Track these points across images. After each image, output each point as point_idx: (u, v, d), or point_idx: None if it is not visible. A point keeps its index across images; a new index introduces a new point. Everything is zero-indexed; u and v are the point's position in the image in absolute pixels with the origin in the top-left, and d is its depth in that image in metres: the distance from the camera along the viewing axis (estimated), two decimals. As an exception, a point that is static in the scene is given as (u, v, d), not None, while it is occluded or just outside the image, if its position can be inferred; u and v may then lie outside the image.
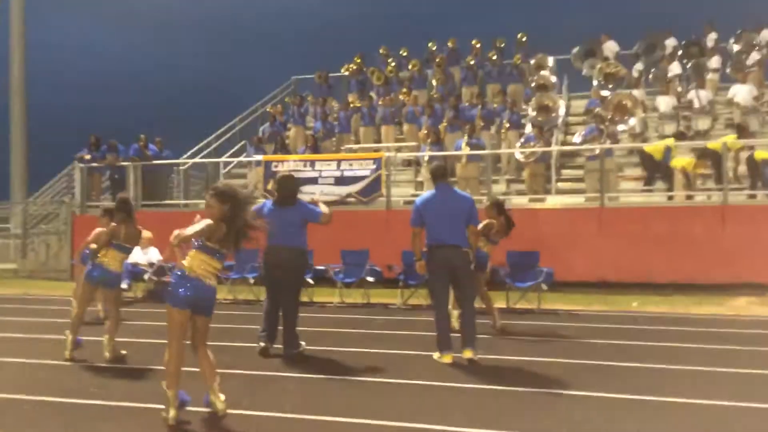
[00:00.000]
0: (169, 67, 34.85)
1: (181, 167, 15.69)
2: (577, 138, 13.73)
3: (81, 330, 6.84)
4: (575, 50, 18.09)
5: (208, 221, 4.68)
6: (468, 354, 6.33)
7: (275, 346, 6.96)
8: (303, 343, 6.98)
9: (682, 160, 12.19)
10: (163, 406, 4.66)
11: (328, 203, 7.63)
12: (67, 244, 14.45)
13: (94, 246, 6.80)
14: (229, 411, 4.82)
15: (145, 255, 11.02)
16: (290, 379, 5.98)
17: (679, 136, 13.18)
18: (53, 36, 31.52)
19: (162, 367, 4.80)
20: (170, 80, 33.81)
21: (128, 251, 6.91)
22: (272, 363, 6.55)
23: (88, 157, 15.01)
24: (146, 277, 11.04)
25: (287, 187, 7.01)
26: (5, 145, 18.80)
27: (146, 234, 10.74)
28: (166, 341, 4.79)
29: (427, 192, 6.64)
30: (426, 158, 13.69)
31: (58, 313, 9.17)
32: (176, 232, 4.67)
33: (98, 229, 7.01)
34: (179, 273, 4.77)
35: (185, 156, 16.43)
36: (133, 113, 27.28)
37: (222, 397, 4.78)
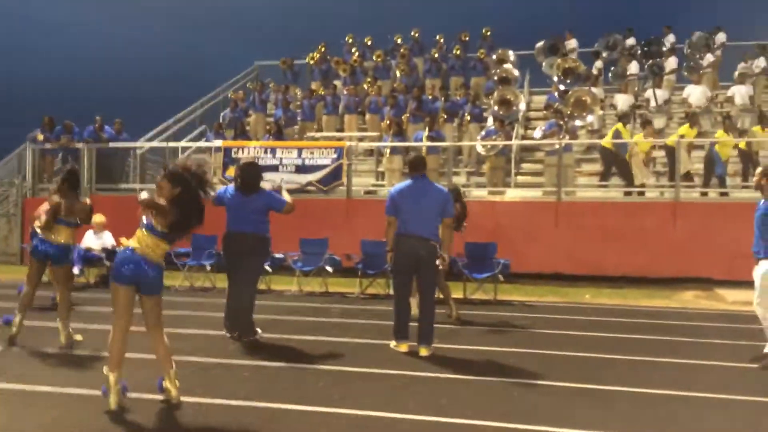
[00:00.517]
0: (133, 47, 34.00)
1: (137, 150, 15.35)
2: (537, 133, 13.93)
3: (30, 314, 6.66)
4: (539, 45, 18.31)
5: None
6: (423, 352, 6.32)
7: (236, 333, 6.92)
8: (259, 330, 6.96)
9: (644, 144, 12.44)
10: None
11: (289, 191, 7.58)
12: (17, 227, 14.04)
13: (38, 223, 6.57)
14: (183, 398, 4.78)
15: (98, 239, 10.79)
16: (245, 366, 5.94)
17: (644, 124, 13.32)
18: (13, 11, 30.47)
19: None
20: (133, 61, 33.01)
21: (75, 225, 6.63)
22: (228, 350, 6.50)
23: (41, 137, 14.58)
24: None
25: (251, 174, 6.96)
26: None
27: (99, 218, 10.62)
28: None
29: (403, 182, 6.60)
30: (387, 149, 13.71)
31: (4, 298, 8.90)
32: (144, 194, 4.60)
33: (42, 206, 6.71)
34: (126, 252, 4.67)
35: (143, 139, 16.09)
36: (93, 94, 26.54)
37: (176, 383, 4.73)
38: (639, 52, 17.43)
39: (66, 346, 6.36)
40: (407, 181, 6.58)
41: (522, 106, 14.70)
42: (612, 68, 17.60)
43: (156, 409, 4.66)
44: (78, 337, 6.49)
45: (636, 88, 16.91)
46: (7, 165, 15.68)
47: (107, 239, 10.76)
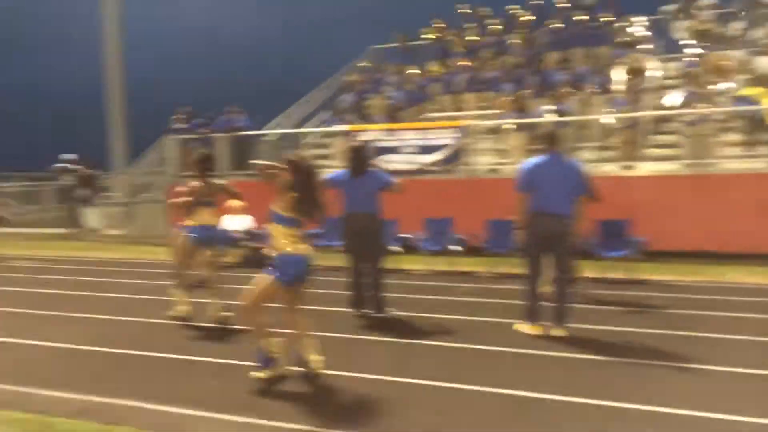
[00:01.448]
0: (253, 36, 35.57)
1: (267, 137, 16.12)
2: (671, 101, 13.11)
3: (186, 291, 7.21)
4: (668, 7, 17.19)
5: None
6: (559, 332, 6.22)
7: (363, 310, 7.21)
8: (392, 309, 7.20)
9: None
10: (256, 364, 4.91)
11: (406, 172, 7.71)
12: (163, 212, 15.22)
13: (178, 201, 6.99)
14: (324, 371, 5.03)
15: (238, 222, 11.47)
16: (380, 342, 6.14)
17: None
18: (149, 9, 32.78)
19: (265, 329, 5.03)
20: (254, 51, 34.55)
21: (214, 205, 7.01)
22: (362, 327, 6.74)
23: (180, 126, 15.64)
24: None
25: (359, 157, 7.21)
26: (103, 117, 19.89)
27: (237, 202, 11.26)
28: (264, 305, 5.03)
29: (536, 157, 6.44)
30: (509, 126, 13.46)
31: (160, 276, 9.72)
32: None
33: (178, 189, 7.16)
34: (281, 256, 4.88)
35: (267, 126, 16.84)
36: (220, 84, 28.11)
37: (318, 356, 4.98)
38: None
39: (217, 320, 6.84)
40: (541, 157, 6.40)
41: (655, 74, 13.88)
42: (754, 29, 16.15)
43: (297, 381, 4.94)
44: (226, 313, 6.95)
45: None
46: (153, 155, 17.02)
47: (246, 221, 11.41)
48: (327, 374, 5.03)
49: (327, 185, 6.92)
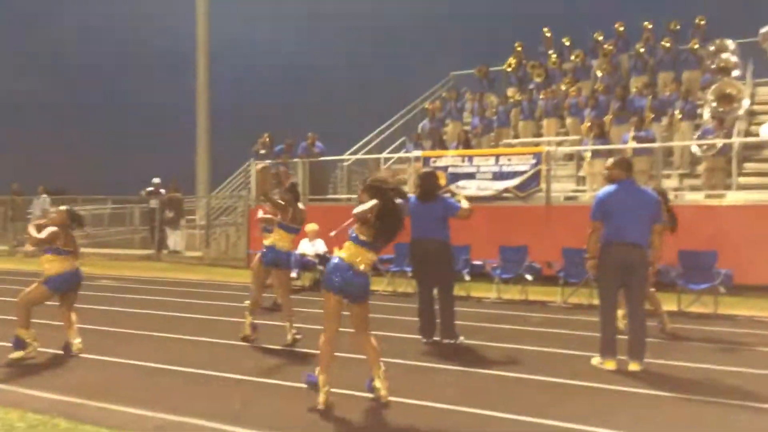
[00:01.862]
0: (336, 64, 36.58)
1: (344, 163, 16.43)
2: (764, 129, 12.45)
3: (258, 313, 7.40)
4: (764, 30, 16.41)
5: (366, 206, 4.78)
6: (634, 367, 5.97)
7: (433, 338, 7.17)
8: (462, 337, 7.13)
9: None
10: (328, 389, 4.94)
11: (480, 198, 7.67)
12: (244, 234, 15.72)
13: (265, 217, 7.31)
14: (391, 398, 5.01)
15: (312, 246, 11.69)
16: (448, 371, 6.07)
17: None
18: (235, 36, 34.32)
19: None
20: (338, 78, 35.50)
21: (295, 231, 7.25)
22: (430, 355, 6.69)
23: (263, 152, 16.18)
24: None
25: (429, 183, 7.31)
26: (191, 142, 20.85)
27: (313, 227, 11.53)
28: (344, 329, 5.08)
29: (609, 186, 6.25)
30: (588, 153, 13.16)
31: (235, 298, 10.01)
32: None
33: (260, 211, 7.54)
34: (335, 261, 4.97)
35: (348, 152, 17.16)
36: (302, 110, 28.97)
37: (386, 384, 4.97)
38: None
39: (290, 343, 6.96)
40: (614, 185, 6.22)
41: (746, 102, 13.25)
42: None
43: (364, 408, 4.94)
44: (297, 336, 7.04)
45: None
46: (235, 180, 17.66)
47: (320, 246, 11.63)
48: (393, 401, 5.01)
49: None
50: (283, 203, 7.08)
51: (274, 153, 16.19)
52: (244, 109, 32.02)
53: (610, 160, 6.36)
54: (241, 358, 6.58)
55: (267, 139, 16.49)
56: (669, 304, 9.14)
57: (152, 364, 6.27)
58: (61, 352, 6.55)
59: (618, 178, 6.19)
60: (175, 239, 18.19)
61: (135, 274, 14.51)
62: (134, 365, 6.26)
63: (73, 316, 6.67)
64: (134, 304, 10.12)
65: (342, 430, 4.53)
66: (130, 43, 38.34)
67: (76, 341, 6.57)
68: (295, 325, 7.02)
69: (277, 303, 9.38)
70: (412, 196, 7.49)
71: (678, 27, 17.43)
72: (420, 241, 7.18)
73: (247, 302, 7.45)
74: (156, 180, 18.74)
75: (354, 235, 4.93)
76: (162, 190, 18.51)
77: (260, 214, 8.04)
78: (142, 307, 9.81)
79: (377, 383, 4.99)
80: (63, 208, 6.84)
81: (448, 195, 7.59)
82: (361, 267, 4.92)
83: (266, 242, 7.24)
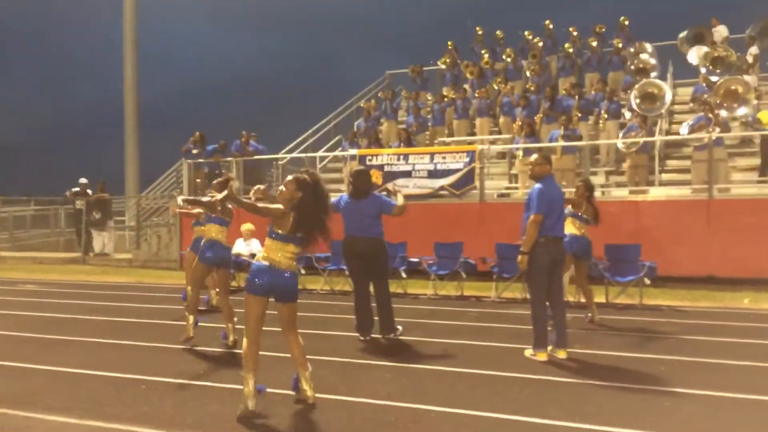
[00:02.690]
0: (267, 64, 36.14)
1: (279, 162, 16.24)
2: (684, 128, 13.05)
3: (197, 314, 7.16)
4: (682, 34, 17.24)
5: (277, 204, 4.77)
6: (562, 354, 6.22)
7: (372, 336, 7.18)
8: (400, 327, 7.24)
9: None
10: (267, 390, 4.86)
11: (418, 195, 7.72)
12: (176, 235, 15.31)
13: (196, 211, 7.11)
14: (326, 396, 4.98)
15: (247, 246, 11.50)
16: (386, 367, 6.09)
17: None
18: (161, 36, 33.43)
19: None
20: (268, 76, 35.06)
21: (226, 224, 6.99)
22: (368, 351, 6.69)
23: (195, 152, 15.80)
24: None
25: (361, 181, 7.29)
26: (119, 141, 20.18)
27: (249, 226, 11.35)
28: (270, 328, 4.99)
29: (541, 181, 6.29)
30: (520, 151, 13.47)
31: (167, 300, 9.74)
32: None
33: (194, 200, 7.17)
34: (256, 264, 4.84)
35: (283, 151, 16.99)
36: (234, 108, 28.51)
37: (311, 384, 4.90)
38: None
39: (232, 345, 6.77)
40: (543, 181, 6.32)
41: (668, 99, 13.86)
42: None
43: (299, 407, 4.90)
44: (233, 338, 6.87)
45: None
46: (166, 180, 17.19)
47: (255, 246, 11.44)
48: (330, 399, 4.98)
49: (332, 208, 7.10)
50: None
51: (207, 152, 15.84)
52: (175, 108, 31.23)
53: (536, 156, 6.47)
54: (173, 361, 6.40)
55: (198, 138, 16.11)
56: (597, 296, 9.48)
57: (79, 371, 6.02)
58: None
59: (544, 173, 6.34)
60: (102, 241, 17.54)
61: (60, 278, 13.90)
62: (60, 372, 6.00)
63: None
64: (59, 309, 9.69)
65: (280, 429, 4.47)
66: (56, 39, 36.81)
67: None
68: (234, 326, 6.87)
69: (212, 304, 9.19)
70: (344, 194, 7.51)
71: (603, 29, 18.09)
72: (353, 238, 7.20)
73: (186, 303, 7.26)
74: (83, 180, 18.02)
75: (270, 229, 4.84)
76: (89, 191, 17.82)
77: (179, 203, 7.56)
78: (67, 312, 9.41)
79: (303, 384, 4.93)
80: None
81: (384, 193, 7.57)
82: (283, 262, 4.76)
83: (205, 237, 6.97)
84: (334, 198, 7.51)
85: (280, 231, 4.80)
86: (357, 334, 7.25)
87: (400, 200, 7.23)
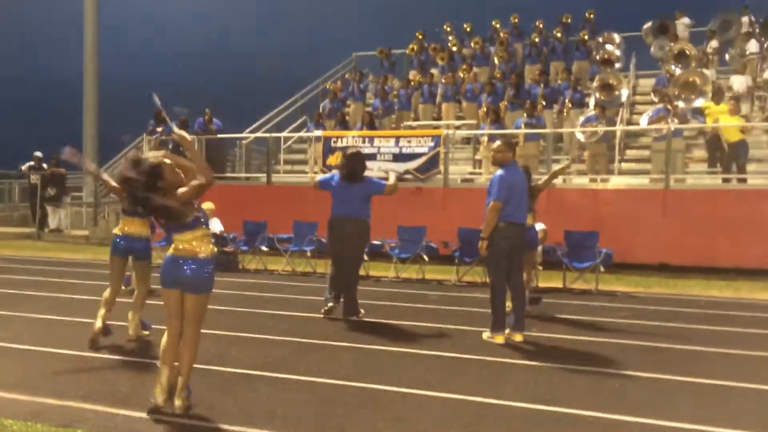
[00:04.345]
0: (232, 40, 35.47)
1: (243, 141, 16.04)
2: (644, 119, 13.32)
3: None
4: (647, 26, 17.53)
5: None
6: (519, 338, 6.34)
7: (335, 318, 7.22)
8: (362, 310, 7.29)
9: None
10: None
11: (383, 179, 7.75)
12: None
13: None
14: (286, 376, 4.98)
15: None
16: (346, 348, 6.11)
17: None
18: (123, 9, 32.46)
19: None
20: (234, 54, 34.43)
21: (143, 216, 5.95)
22: (328, 332, 6.71)
23: (159, 129, 15.50)
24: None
25: (357, 164, 7.33)
26: (78, 117, 19.63)
27: (209, 205, 11.19)
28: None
29: (503, 168, 6.32)
30: (485, 137, 13.57)
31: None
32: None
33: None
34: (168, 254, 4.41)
35: (247, 130, 16.78)
36: (197, 86, 27.96)
37: (183, 394, 4.31)
38: (757, 30, 16.29)
39: (134, 338, 6.22)
40: (505, 167, 6.39)
41: (624, 92, 14.12)
42: (729, 49, 16.54)
43: (255, 386, 4.89)
44: (146, 333, 6.31)
45: (756, 68, 15.79)
46: (127, 156, 16.81)
47: (216, 225, 11.31)
48: (291, 379, 4.99)
49: (316, 187, 7.43)
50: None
51: (167, 129, 15.54)
52: (137, 83, 30.50)
53: (499, 143, 6.52)
54: (126, 339, 6.31)
55: (158, 115, 15.77)
56: (555, 281, 9.66)
57: (31, 347, 5.90)
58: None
59: (506, 160, 6.40)
60: (58, 217, 17.12)
61: (14, 253, 13.54)
62: (11, 348, 5.87)
63: None
64: (12, 284, 9.45)
65: (237, 410, 4.45)
66: (18, 10, 35.49)
67: None
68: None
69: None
70: (335, 174, 7.52)
71: (569, 20, 18.28)
72: (343, 220, 7.20)
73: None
74: (38, 154, 17.51)
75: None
76: (44, 165, 17.34)
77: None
78: (20, 288, 9.18)
79: (176, 392, 4.30)
80: None
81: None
82: (190, 253, 4.26)
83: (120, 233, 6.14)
84: (324, 175, 7.54)
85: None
86: (318, 315, 7.30)
87: (391, 179, 7.38)
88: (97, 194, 16.84)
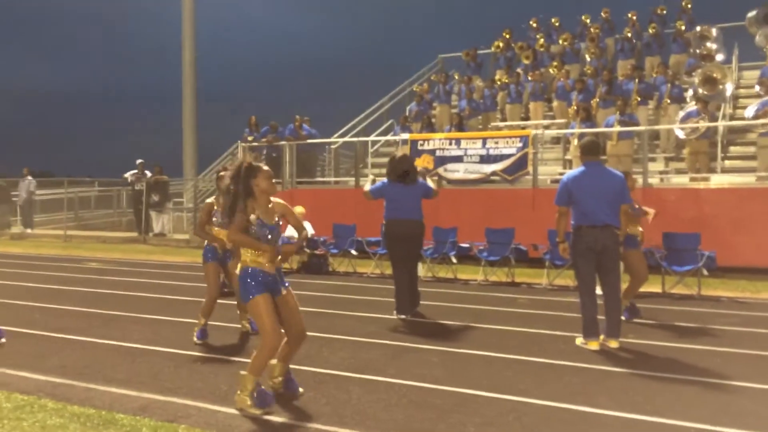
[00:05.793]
0: (322, 46, 36.36)
1: (331, 146, 16.38)
2: (749, 111, 12.54)
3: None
4: (751, 14, 16.49)
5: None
6: (614, 344, 6.12)
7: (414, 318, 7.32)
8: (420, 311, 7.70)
9: None
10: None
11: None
12: (230, 217, 15.64)
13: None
14: (374, 378, 5.05)
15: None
16: (433, 351, 6.12)
17: None
18: (222, 19, 34.00)
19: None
20: (323, 60, 35.29)
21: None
22: (416, 335, 6.74)
23: (251, 138, 16.11)
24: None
25: (409, 166, 7.71)
26: (178, 126, 20.71)
27: (299, 209, 11.50)
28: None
29: (575, 169, 6.36)
30: (576, 136, 13.21)
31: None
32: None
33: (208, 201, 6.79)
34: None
35: (335, 135, 17.12)
36: (289, 92, 28.81)
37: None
38: None
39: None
40: (580, 168, 6.30)
41: (729, 86, 13.33)
42: None
43: (346, 387, 4.98)
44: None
45: None
46: (223, 163, 17.57)
47: (306, 228, 11.60)
48: (380, 381, 5.05)
49: (367, 197, 7.78)
50: None
51: (260, 134, 16.13)
52: (233, 91, 31.83)
53: (575, 144, 6.41)
54: (230, 340, 6.59)
55: (254, 122, 16.42)
56: (653, 285, 9.27)
57: (139, 345, 6.28)
58: (50, 333, 6.53)
59: (583, 161, 6.27)
60: (161, 222, 18.11)
61: (122, 256, 14.45)
62: (121, 346, 6.27)
63: None
64: (121, 286, 10.09)
65: (329, 410, 4.56)
66: (116, 25, 37.93)
67: None
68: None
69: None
70: (384, 180, 7.81)
71: (664, 11, 17.49)
72: (403, 222, 7.47)
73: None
74: (139, 161, 18.57)
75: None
76: (147, 172, 18.38)
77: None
78: (129, 289, 9.78)
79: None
80: None
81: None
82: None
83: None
84: (373, 185, 7.78)
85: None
86: (401, 316, 7.42)
87: (431, 184, 7.81)
88: (197, 200, 17.67)
